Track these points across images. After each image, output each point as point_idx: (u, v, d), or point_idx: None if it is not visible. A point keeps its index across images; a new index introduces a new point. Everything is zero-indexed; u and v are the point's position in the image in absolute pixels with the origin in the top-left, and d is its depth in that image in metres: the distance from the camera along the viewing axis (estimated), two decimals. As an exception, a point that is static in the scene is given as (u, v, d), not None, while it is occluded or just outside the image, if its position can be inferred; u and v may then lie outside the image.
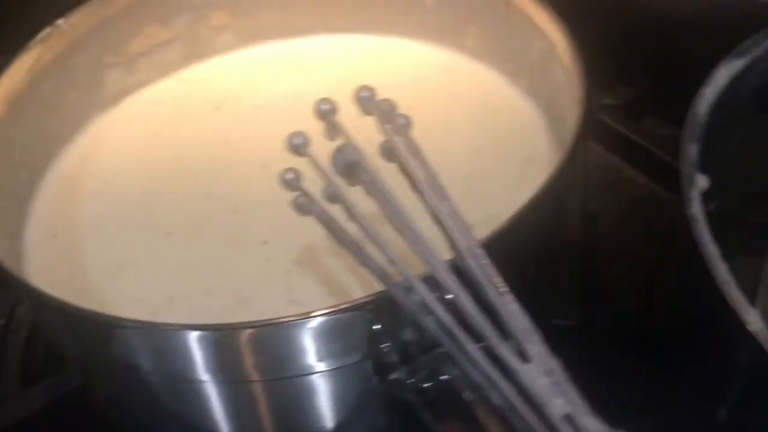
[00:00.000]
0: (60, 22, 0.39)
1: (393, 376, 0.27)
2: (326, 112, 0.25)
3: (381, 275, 0.24)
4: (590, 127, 0.47)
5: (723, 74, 0.31)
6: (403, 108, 0.41)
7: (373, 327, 0.27)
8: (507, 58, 0.40)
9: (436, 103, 0.41)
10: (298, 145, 0.25)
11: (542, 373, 0.20)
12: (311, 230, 0.33)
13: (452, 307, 0.23)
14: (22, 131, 0.37)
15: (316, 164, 0.25)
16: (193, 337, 0.27)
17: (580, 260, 0.43)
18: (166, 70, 0.44)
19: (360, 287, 0.32)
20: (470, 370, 0.21)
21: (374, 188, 0.24)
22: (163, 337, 0.28)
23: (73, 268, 0.35)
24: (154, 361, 0.29)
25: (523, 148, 0.38)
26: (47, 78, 0.38)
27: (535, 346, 0.20)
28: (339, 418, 0.30)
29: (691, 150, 0.28)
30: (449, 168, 0.37)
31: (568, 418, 0.20)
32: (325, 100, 0.25)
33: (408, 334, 0.27)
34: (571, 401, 0.20)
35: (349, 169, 0.26)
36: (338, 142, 0.26)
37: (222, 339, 0.27)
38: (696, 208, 0.26)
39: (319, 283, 0.33)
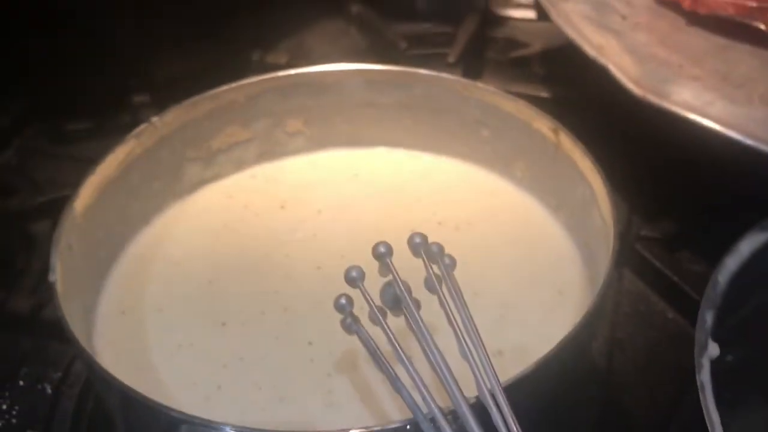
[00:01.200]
0: (155, 119, 0.44)
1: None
2: (382, 255, 0.29)
3: (410, 403, 0.27)
4: (620, 270, 0.50)
5: (746, 246, 0.34)
6: (450, 226, 0.45)
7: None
8: (551, 193, 0.44)
9: (480, 224, 0.44)
10: (353, 279, 0.29)
11: None
12: (353, 337, 0.37)
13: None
14: (107, 214, 0.42)
15: (366, 296, 0.29)
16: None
17: (602, 386, 0.45)
18: (240, 166, 0.48)
19: (393, 399, 0.35)
20: None
21: (413, 323, 0.27)
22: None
23: (136, 345, 0.39)
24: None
25: (557, 281, 0.41)
26: (136, 168, 0.43)
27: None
28: None
29: (707, 317, 0.31)
30: (485, 291, 0.41)
31: None
32: (382, 244, 0.29)
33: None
34: None
35: (395, 303, 0.29)
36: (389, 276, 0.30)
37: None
38: (704, 375, 0.29)
39: (356, 390, 0.36)
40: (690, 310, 0.50)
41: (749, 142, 0.46)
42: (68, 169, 0.59)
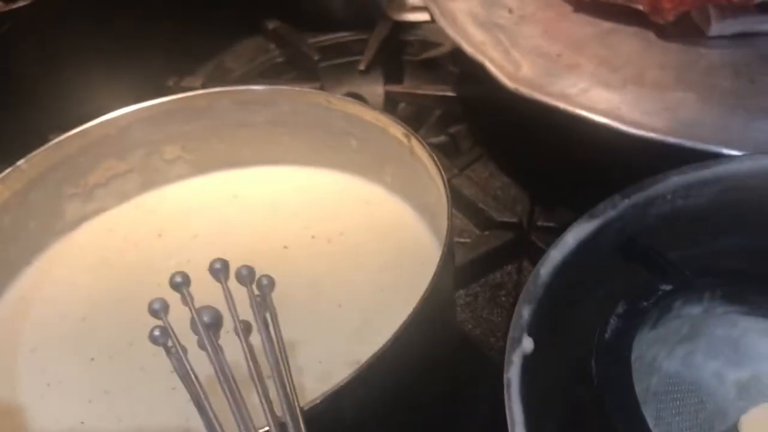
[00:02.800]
0: (20, 162, 0.44)
1: None
2: (178, 285, 0.29)
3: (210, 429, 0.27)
4: (520, 262, 0.50)
5: (572, 236, 0.34)
6: (323, 239, 0.45)
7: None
8: (415, 196, 0.44)
9: (352, 234, 0.45)
10: (156, 311, 0.29)
11: None
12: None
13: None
14: (-21, 261, 0.42)
15: (168, 328, 0.29)
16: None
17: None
18: (123, 197, 0.49)
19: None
20: None
21: (210, 355, 0.28)
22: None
23: (5, 387, 0.39)
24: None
25: (423, 285, 0.41)
26: (6, 212, 0.44)
27: None
28: None
29: (524, 312, 0.31)
30: (349, 301, 0.41)
31: None
32: (178, 274, 0.29)
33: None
34: None
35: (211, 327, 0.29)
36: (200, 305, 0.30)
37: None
38: (513, 372, 0.29)
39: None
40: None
41: (616, 125, 0.46)
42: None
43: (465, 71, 0.70)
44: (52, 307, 0.43)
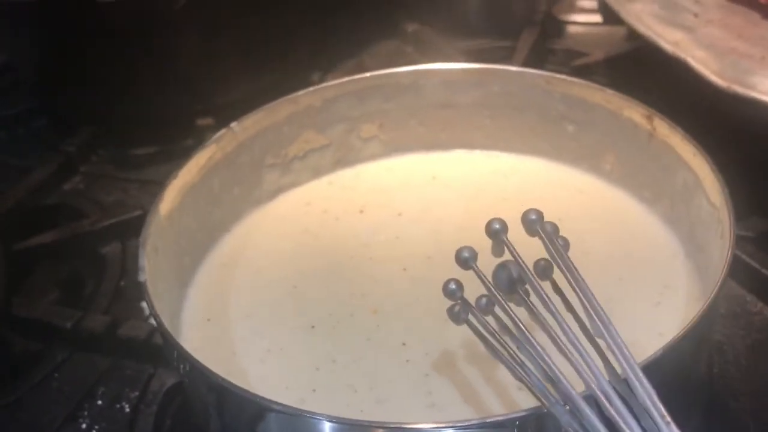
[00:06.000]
0: (234, 125, 0.43)
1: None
2: (497, 232, 0.27)
3: (541, 392, 0.25)
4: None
5: None
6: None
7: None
8: (645, 185, 0.42)
9: (572, 222, 0.41)
10: (466, 260, 0.27)
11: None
12: (448, 336, 0.35)
13: (612, 429, 0.24)
14: (190, 220, 0.41)
15: (482, 277, 0.27)
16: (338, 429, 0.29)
17: (705, 390, 0.43)
18: (317, 173, 0.47)
19: (496, 398, 0.33)
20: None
21: (539, 303, 0.26)
22: (307, 426, 0.29)
23: (223, 351, 0.37)
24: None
25: (661, 275, 0.38)
26: (216, 174, 0.42)
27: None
28: None
29: None
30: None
31: None
32: (496, 220, 0.27)
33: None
34: None
35: (510, 285, 0.27)
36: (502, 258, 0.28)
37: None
38: None
39: (457, 389, 0.34)
40: (789, 311, 0.48)
41: None
42: (135, 192, 0.59)
43: (616, 80, 0.68)
44: (258, 274, 0.42)
